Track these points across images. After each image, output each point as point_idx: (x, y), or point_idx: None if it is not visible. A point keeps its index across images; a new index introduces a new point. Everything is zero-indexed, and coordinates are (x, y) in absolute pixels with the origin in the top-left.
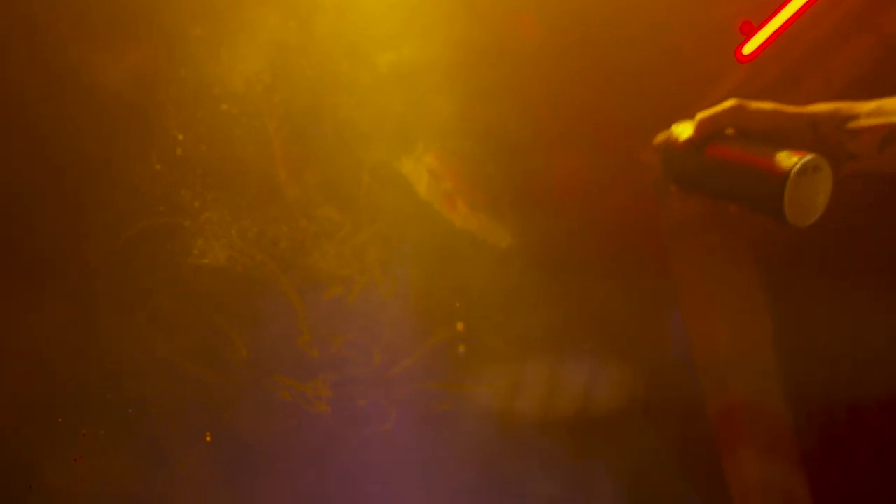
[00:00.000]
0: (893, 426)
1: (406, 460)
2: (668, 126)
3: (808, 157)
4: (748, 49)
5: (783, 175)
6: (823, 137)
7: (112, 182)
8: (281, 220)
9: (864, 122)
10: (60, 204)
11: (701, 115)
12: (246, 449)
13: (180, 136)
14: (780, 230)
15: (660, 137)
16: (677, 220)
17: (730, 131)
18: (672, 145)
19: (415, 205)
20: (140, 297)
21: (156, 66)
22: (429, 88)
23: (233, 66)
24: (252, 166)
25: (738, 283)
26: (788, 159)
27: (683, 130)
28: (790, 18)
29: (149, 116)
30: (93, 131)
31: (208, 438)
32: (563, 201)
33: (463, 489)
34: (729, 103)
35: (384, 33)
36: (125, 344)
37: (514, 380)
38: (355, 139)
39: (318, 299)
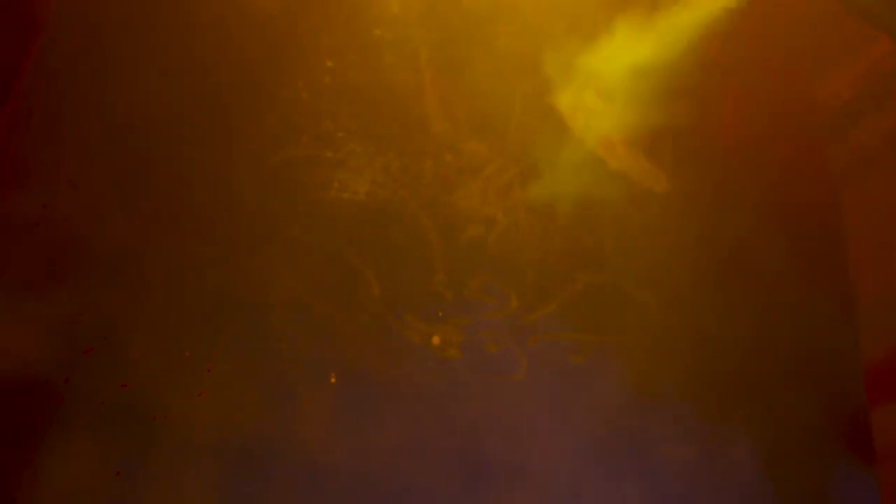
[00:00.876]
0: None
1: (534, 414)
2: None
3: None
4: None
5: None
6: None
7: (258, 109)
8: (426, 153)
9: None
10: (209, 129)
11: None
12: (370, 390)
13: (329, 63)
14: None
15: None
16: (849, 164)
17: None
18: None
19: (567, 142)
20: (275, 230)
21: None
22: (595, 15)
23: None
24: (400, 97)
25: None
26: None
27: None
28: None
29: (301, 41)
30: (247, 54)
31: (332, 380)
32: (726, 146)
33: (592, 448)
34: None
35: None
36: (256, 278)
37: (656, 334)
38: (511, 70)
39: (457, 239)
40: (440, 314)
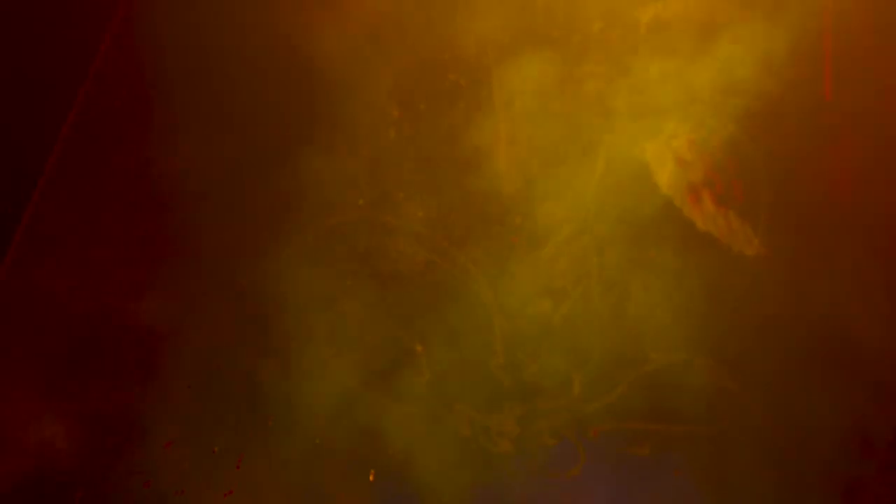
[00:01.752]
0: None
1: None
2: None
3: None
4: None
5: None
6: None
7: (310, 167)
8: (493, 217)
9: None
10: (247, 196)
11: None
12: (411, 491)
13: (395, 114)
14: None
15: None
16: None
17: None
18: None
19: (653, 200)
20: (322, 307)
21: (379, 24)
22: (691, 54)
23: (468, 25)
24: (470, 151)
25: None
26: None
27: None
28: None
29: (364, 86)
30: (294, 107)
31: (371, 478)
32: (829, 200)
33: None
34: None
35: None
36: (294, 364)
37: (734, 422)
38: (597, 117)
39: (520, 315)
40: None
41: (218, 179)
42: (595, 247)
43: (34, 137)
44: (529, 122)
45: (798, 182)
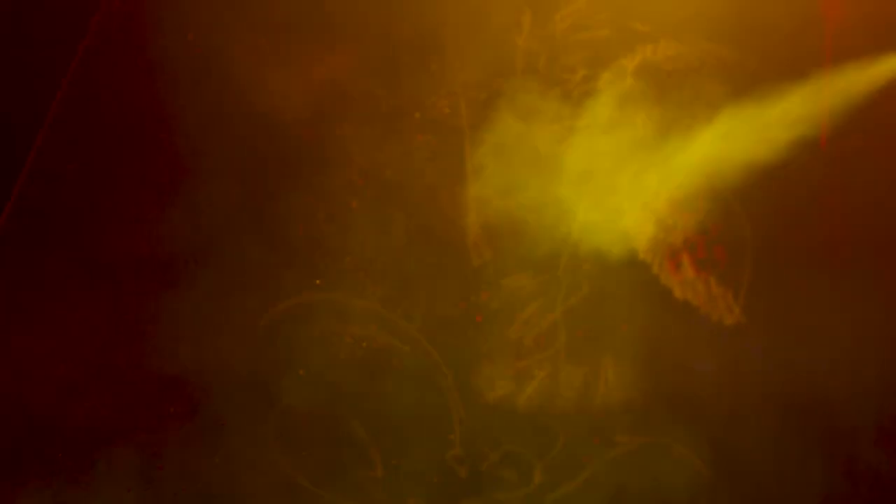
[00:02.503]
0: None
1: None
2: None
3: None
4: None
5: None
6: None
7: (256, 245)
8: (457, 293)
9: None
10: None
11: None
12: None
13: (359, 181)
14: None
15: None
16: None
17: None
18: None
19: (628, 268)
20: (267, 397)
21: (344, 82)
22: (679, 103)
23: (440, 80)
24: (437, 220)
25: None
26: None
27: None
28: None
29: (326, 151)
30: (242, 174)
31: None
32: (816, 261)
33: None
34: None
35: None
36: (238, 458)
37: None
38: (575, 179)
39: (482, 399)
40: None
41: None
42: (564, 322)
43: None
44: (502, 188)
45: (784, 245)
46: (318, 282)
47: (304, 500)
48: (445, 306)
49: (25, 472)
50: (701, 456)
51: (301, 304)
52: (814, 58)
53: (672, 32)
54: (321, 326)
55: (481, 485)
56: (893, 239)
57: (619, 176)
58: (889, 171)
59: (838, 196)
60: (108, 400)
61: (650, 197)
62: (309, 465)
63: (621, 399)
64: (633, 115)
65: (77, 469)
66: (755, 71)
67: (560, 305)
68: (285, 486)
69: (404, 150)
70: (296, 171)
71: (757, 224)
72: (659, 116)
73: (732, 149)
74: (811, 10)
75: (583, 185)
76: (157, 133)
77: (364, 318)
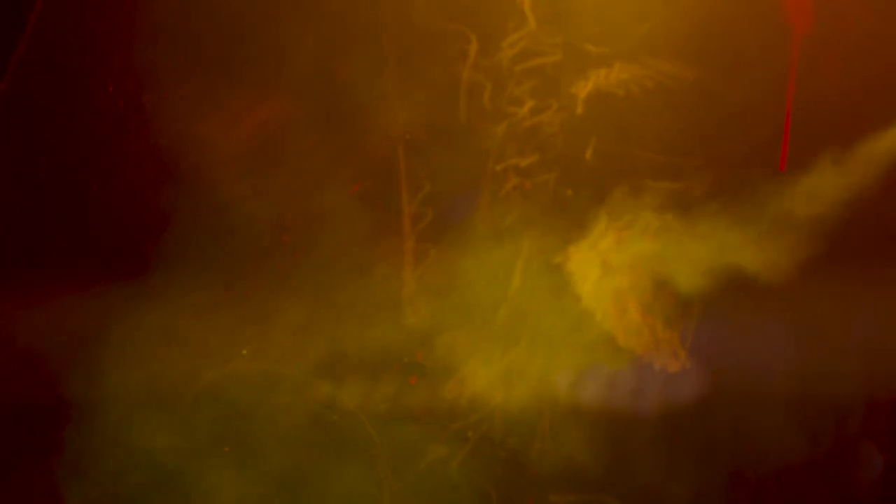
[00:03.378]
0: None
1: None
2: None
3: None
4: None
5: None
6: None
7: (177, 314)
8: (392, 356)
9: None
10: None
11: None
12: None
13: (288, 241)
14: None
15: None
16: None
17: None
18: None
19: (570, 318)
20: (190, 480)
21: (273, 127)
22: (632, 132)
23: (376, 121)
24: (372, 277)
25: None
26: None
27: None
28: None
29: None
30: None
31: None
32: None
33: None
34: None
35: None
36: None
37: None
38: (517, 223)
39: (413, 466)
40: None
41: None
42: (501, 380)
43: None
44: (440, 238)
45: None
46: (244, 352)
47: None
48: (379, 370)
49: None
50: None
51: (227, 376)
52: (779, 79)
53: (628, 53)
54: (247, 398)
55: None
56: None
57: (565, 213)
58: None
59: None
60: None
61: (598, 235)
62: None
63: (557, 457)
64: (582, 149)
65: None
66: (717, 91)
67: (497, 362)
68: None
69: (338, 202)
70: (223, 232)
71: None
72: (608, 149)
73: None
74: (779, 31)
75: (527, 227)
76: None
77: (293, 388)
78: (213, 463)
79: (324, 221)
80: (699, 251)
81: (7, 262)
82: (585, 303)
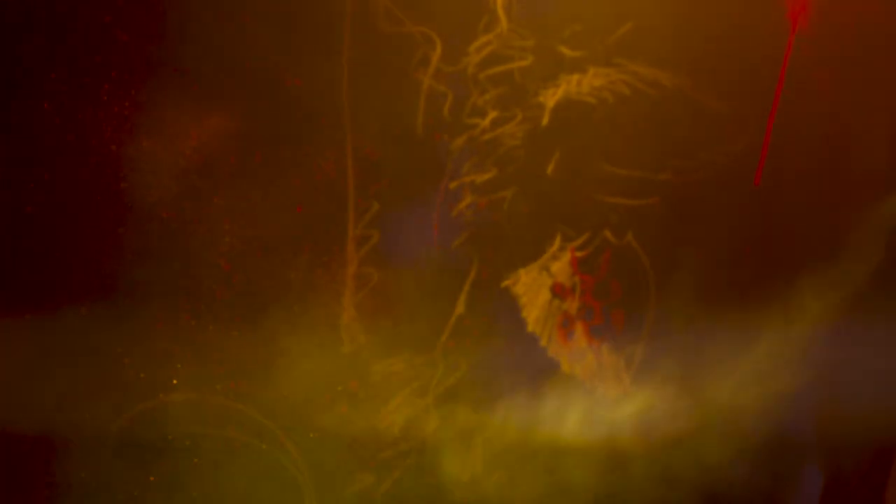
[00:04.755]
0: None
1: None
2: None
3: None
4: None
5: None
6: None
7: (109, 342)
8: (324, 384)
9: None
10: None
11: None
12: None
13: (227, 267)
14: None
15: None
16: None
17: None
18: None
19: (514, 342)
20: None
21: (217, 149)
22: (601, 144)
23: (332, 135)
24: (314, 302)
25: None
26: None
27: None
28: None
29: (191, 235)
30: (110, 259)
31: None
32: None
33: None
34: None
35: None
36: None
37: None
38: (469, 245)
39: (339, 497)
40: None
41: None
42: (436, 408)
43: None
44: (385, 263)
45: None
46: (174, 381)
47: None
48: (310, 400)
49: None
50: None
51: (156, 407)
52: (766, 91)
53: (604, 57)
54: (175, 429)
55: None
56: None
57: (522, 236)
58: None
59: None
60: None
61: (549, 258)
62: None
63: (486, 488)
64: (544, 164)
65: None
66: (697, 101)
67: (433, 390)
68: None
69: (281, 224)
70: (156, 259)
71: (661, 283)
72: (572, 164)
73: (652, 166)
74: (770, 37)
75: (478, 250)
76: None
77: (222, 419)
78: (138, 493)
79: (265, 246)
80: (657, 273)
81: None
82: (531, 327)
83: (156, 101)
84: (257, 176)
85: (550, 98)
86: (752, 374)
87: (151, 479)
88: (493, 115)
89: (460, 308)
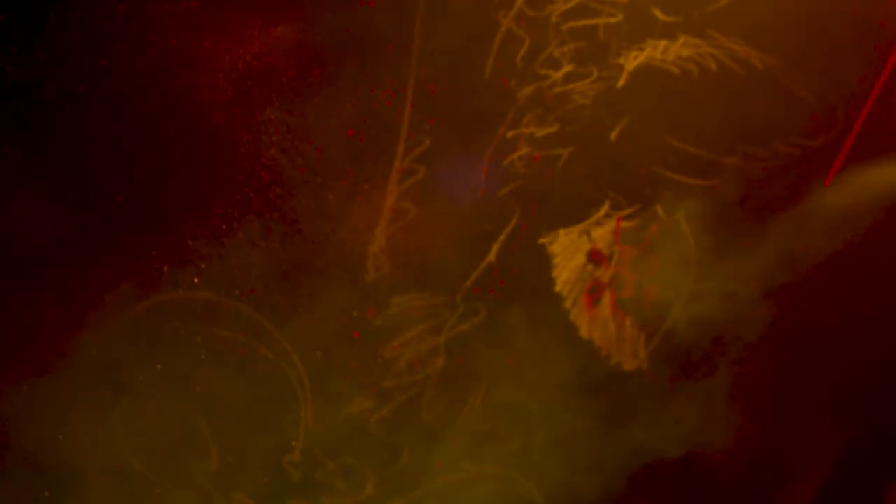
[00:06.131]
0: None
1: None
2: None
3: None
4: None
5: None
6: None
7: (151, 232)
8: (341, 307)
9: None
10: None
11: None
12: None
13: (266, 178)
14: None
15: None
16: None
17: None
18: None
19: (537, 299)
20: (123, 385)
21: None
22: (674, 114)
23: (395, 63)
24: (347, 227)
25: None
26: None
27: None
28: None
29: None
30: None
31: None
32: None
33: None
34: None
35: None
36: (88, 437)
37: None
38: (513, 193)
39: (335, 413)
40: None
41: None
42: (446, 348)
43: None
44: (424, 199)
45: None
46: (196, 280)
47: (134, 481)
48: (325, 319)
49: None
50: (544, 494)
51: (174, 300)
52: (863, 85)
53: (697, 26)
54: (188, 325)
55: (311, 490)
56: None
57: (573, 195)
58: None
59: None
60: None
61: (592, 223)
62: (146, 451)
63: (481, 429)
64: (609, 128)
65: None
66: (786, 85)
67: (447, 331)
68: (120, 468)
69: (328, 145)
70: (198, 159)
71: (703, 268)
72: (638, 132)
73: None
74: (881, 46)
75: (519, 203)
76: None
77: (235, 322)
78: (143, 378)
79: (308, 164)
80: (699, 260)
81: None
82: (559, 288)
83: (224, 2)
84: (313, 93)
85: (631, 61)
86: None
87: (158, 367)
88: (567, 69)
89: (492, 257)
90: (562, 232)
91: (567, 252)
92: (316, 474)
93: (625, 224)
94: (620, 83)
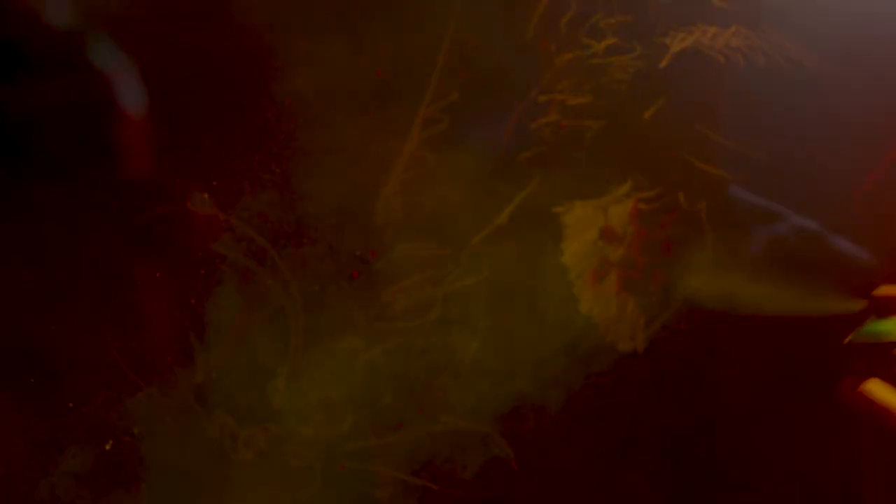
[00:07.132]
0: None
1: None
2: None
3: None
4: None
5: None
6: None
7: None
8: (345, 246)
9: None
10: None
11: None
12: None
13: (291, 105)
14: None
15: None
16: None
17: None
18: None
19: (541, 269)
20: (113, 292)
21: None
22: (702, 103)
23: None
24: (362, 169)
25: None
26: None
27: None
28: None
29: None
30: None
31: (107, 446)
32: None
33: None
34: None
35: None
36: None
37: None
38: (534, 157)
39: (323, 346)
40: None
41: None
42: (444, 301)
43: None
44: (444, 149)
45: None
46: (205, 195)
47: (112, 376)
48: (327, 256)
49: None
50: (515, 455)
51: (186, 213)
52: None
53: (754, 17)
54: (195, 242)
55: (290, 417)
56: None
57: (598, 166)
58: None
59: None
60: None
61: (611, 200)
62: (129, 354)
63: (465, 384)
64: (644, 107)
65: None
66: (833, 88)
67: (447, 285)
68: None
69: (356, 81)
70: (222, 75)
71: (717, 260)
72: (673, 115)
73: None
74: None
75: (538, 168)
76: None
77: (239, 244)
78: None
79: (331, 98)
80: (716, 252)
81: None
82: (565, 258)
83: None
84: (346, 31)
85: (678, 42)
86: None
87: (157, 275)
88: (610, 41)
89: (503, 219)
90: (578, 204)
91: (580, 224)
92: (297, 402)
93: (643, 206)
94: (663, 63)
